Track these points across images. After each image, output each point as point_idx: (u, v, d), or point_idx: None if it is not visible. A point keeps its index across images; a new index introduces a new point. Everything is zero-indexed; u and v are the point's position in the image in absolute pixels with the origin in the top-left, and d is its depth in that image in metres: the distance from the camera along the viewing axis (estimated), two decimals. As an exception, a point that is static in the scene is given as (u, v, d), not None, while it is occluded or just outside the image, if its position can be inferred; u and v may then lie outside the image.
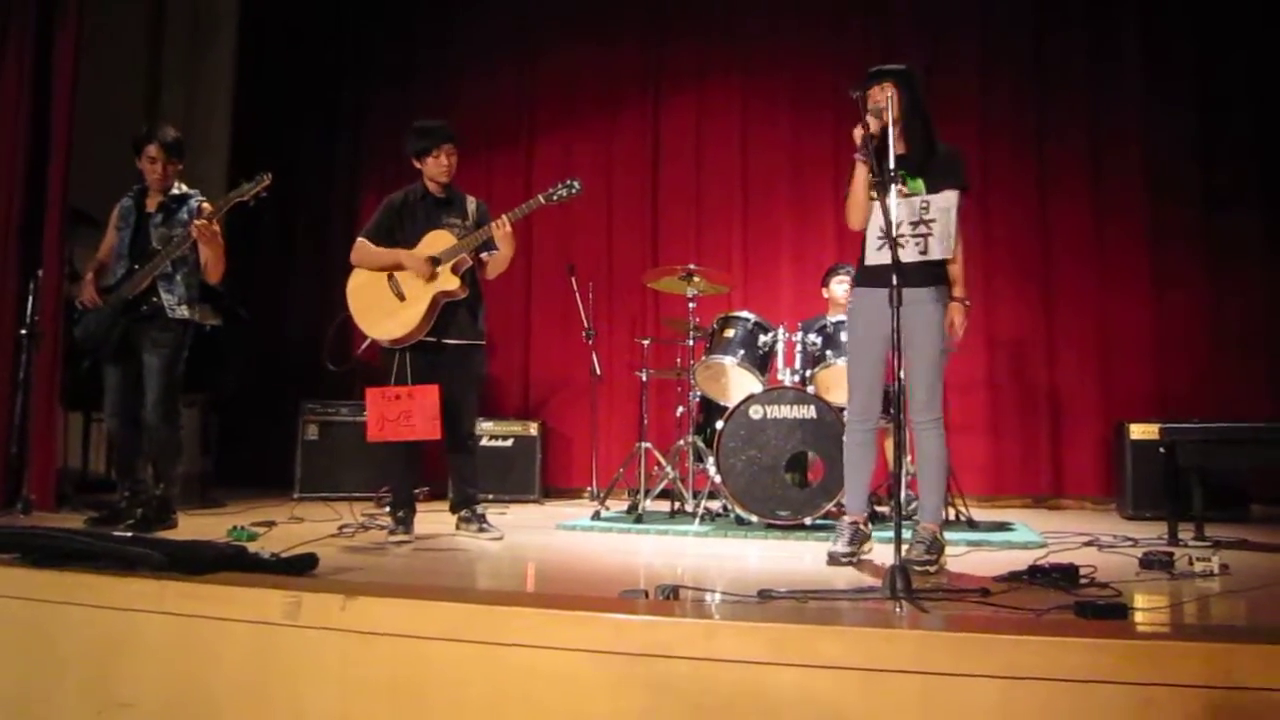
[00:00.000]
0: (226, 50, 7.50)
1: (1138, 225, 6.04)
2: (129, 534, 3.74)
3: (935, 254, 3.22)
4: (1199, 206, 5.97)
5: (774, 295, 6.39)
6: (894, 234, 2.95)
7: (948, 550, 3.89)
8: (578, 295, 5.98)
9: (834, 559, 3.40)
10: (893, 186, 3.11)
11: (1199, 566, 3.18)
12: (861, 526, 3.49)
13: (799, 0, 6.64)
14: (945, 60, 6.40)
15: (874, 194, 3.26)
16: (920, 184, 3.32)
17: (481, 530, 4.21)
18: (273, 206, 7.12)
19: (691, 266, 5.18)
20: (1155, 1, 6.15)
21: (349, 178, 7.45)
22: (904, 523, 3.28)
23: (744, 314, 5.03)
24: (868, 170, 3.27)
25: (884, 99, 3.26)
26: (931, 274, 3.32)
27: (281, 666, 2.43)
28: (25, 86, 5.08)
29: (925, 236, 3.21)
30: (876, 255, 3.29)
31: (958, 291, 3.34)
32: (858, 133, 3.28)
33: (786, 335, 4.89)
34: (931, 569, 3.24)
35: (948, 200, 3.20)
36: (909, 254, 3.21)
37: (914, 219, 3.23)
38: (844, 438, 3.58)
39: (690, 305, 5.15)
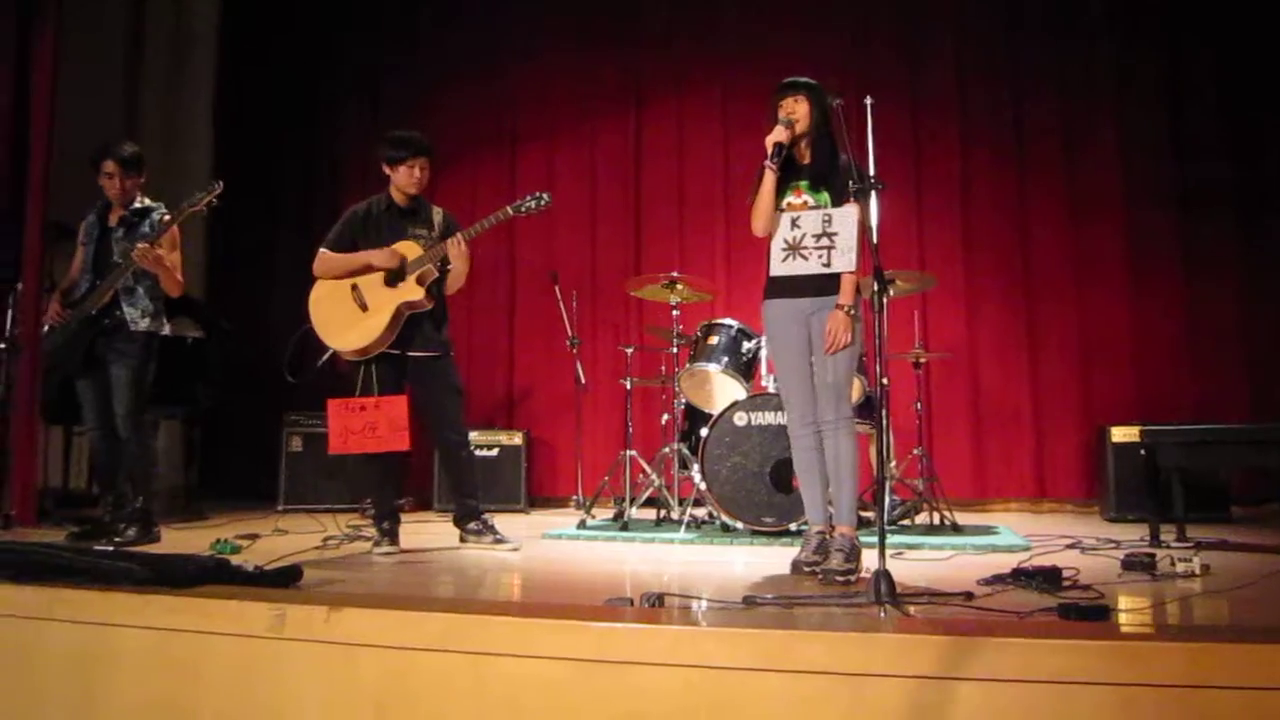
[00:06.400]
0: (206, 62, 7.47)
1: (1116, 228, 6.10)
2: (110, 548, 3.72)
3: (837, 267, 3.24)
4: (1176, 209, 6.03)
5: (757, 302, 6.35)
6: (800, 245, 3.19)
7: (933, 554, 3.93)
8: (561, 303, 5.98)
9: (796, 567, 3.36)
10: (804, 196, 3.34)
11: (1180, 567, 3.20)
12: (828, 536, 3.38)
13: (777, 5, 6.67)
14: (923, 65, 6.45)
15: (782, 205, 3.36)
16: (825, 196, 3.37)
17: (497, 541, 4.13)
18: (254, 217, 7.20)
19: (674, 274, 5.19)
20: (1127, 2, 6.22)
21: (330, 188, 7.42)
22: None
23: (727, 321, 5.03)
24: (775, 179, 3.34)
25: (796, 110, 3.37)
26: (834, 283, 3.33)
27: (266, 680, 2.42)
28: (3, 98, 5.05)
29: (828, 249, 3.24)
30: (782, 266, 3.31)
31: (842, 299, 3.31)
32: (769, 141, 3.35)
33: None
34: (851, 578, 3.12)
35: (849, 214, 3.22)
36: (812, 265, 3.26)
37: (817, 231, 3.26)
38: (791, 449, 3.51)
39: (674, 313, 5.16)
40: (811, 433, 3.43)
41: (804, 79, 3.45)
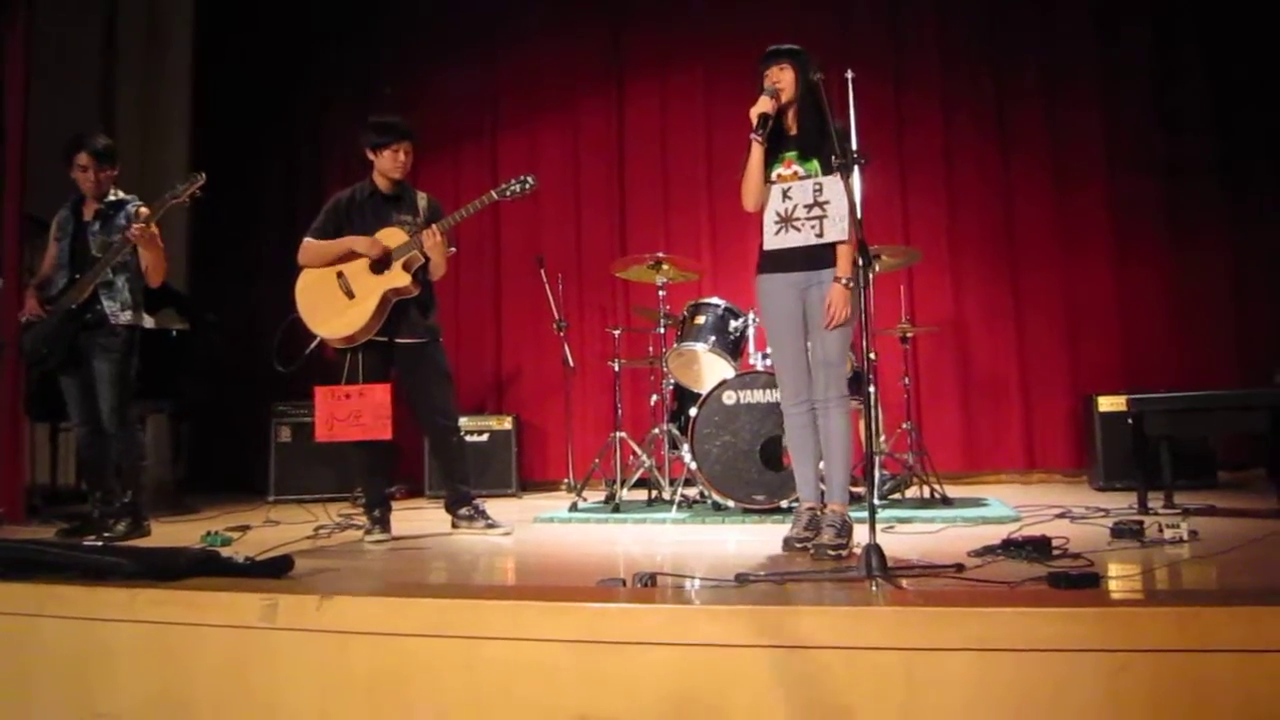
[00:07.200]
0: (183, 51, 7.38)
1: (1101, 198, 6.10)
2: (99, 543, 3.71)
3: (830, 236, 3.19)
4: (1161, 178, 6.03)
5: (743, 280, 6.32)
6: (792, 216, 3.16)
7: (923, 527, 3.94)
8: (547, 287, 5.96)
9: (788, 544, 3.35)
10: (794, 167, 3.28)
11: (1169, 534, 3.22)
12: (819, 513, 3.38)
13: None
14: (905, 36, 6.43)
15: (772, 178, 3.31)
16: (815, 165, 3.30)
17: (489, 527, 4.12)
18: (237, 206, 7.14)
19: (660, 255, 5.18)
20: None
21: (313, 176, 7.36)
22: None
23: (714, 300, 5.03)
24: (763, 151, 3.31)
25: (781, 79, 3.32)
26: (830, 255, 3.28)
27: (259, 669, 2.41)
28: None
29: (820, 219, 3.19)
30: (775, 239, 3.27)
31: (840, 271, 3.25)
32: (754, 112, 3.30)
33: (756, 320, 4.90)
34: (843, 553, 3.13)
35: (840, 181, 3.14)
36: (805, 237, 3.21)
37: (809, 201, 3.20)
38: (784, 425, 3.51)
39: (660, 293, 5.15)
40: (805, 409, 3.40)
41: (787, 46, 3.38)
